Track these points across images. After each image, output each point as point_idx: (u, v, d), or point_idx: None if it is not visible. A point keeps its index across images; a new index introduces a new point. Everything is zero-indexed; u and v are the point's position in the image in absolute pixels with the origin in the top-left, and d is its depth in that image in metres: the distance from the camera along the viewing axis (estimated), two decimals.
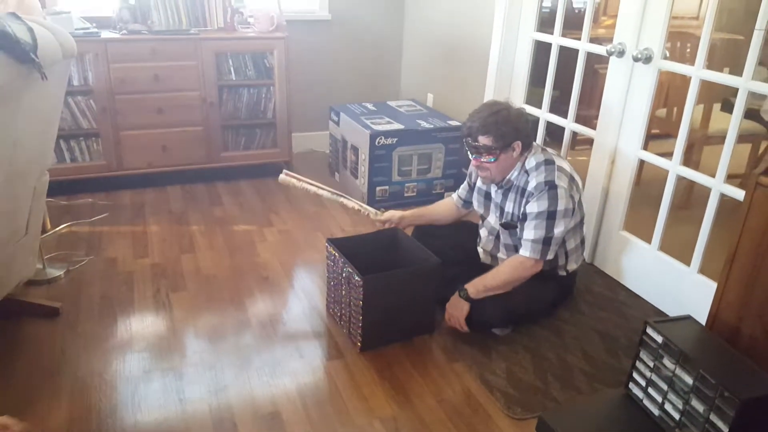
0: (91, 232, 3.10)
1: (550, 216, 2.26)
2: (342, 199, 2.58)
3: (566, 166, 2.36)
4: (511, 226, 2.42)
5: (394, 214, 2.62)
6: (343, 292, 2.30)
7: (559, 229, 2.28)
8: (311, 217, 3.30)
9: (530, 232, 2.29)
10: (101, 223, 3.19)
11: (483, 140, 2.30)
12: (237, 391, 2.05)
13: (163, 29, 3.47)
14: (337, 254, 2.31)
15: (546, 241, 2.28)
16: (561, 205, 2.26)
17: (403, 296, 2.27)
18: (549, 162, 2.32)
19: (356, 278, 2.17)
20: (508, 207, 2.42)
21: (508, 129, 2.29)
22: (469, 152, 2.39)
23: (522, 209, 2.34)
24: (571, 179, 2.33)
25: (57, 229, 3.07)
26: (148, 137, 3.52)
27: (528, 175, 2.33)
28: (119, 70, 3.32)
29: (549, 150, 2.43)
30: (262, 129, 3.81)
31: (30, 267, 2.34)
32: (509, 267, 2.33)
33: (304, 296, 2.63)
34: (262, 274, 2.78)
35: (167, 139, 3.56)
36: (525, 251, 2.30)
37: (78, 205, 3.38)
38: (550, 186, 2.26)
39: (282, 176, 2.56)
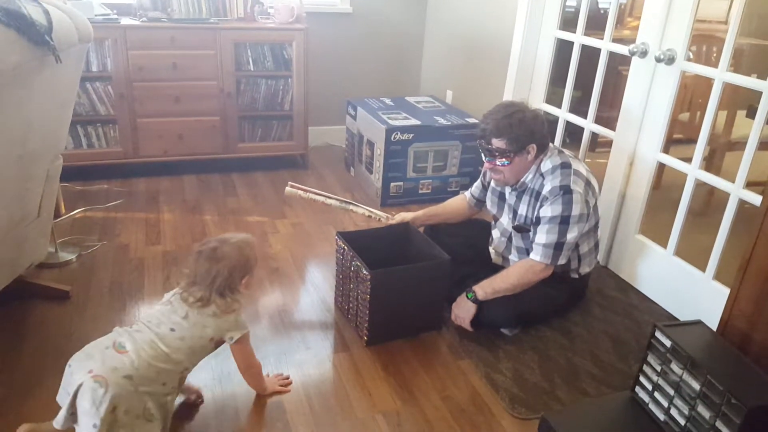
0: (105, 217, 3.12)
1: (564, 221, 2.22)
2: (351, 207, 2.54)
3: (583, 169, 2.31)
4: (524, 229, 2.38)
5: (405, 216, 2.59)
6: (351, 285, 2.29)
7: (572, 235, 2.24)
8: (324, 211, 3.26)
9: (542, 236, 2.25)
10: (115, 210, 3.21)
11: (497, 143, 2.26)
12: (241, 380, 2.04)
13: (183, 17, 3.49)
14: (346, 248, 2.30)
15: (558, 246, 2.24)
16: (575, 210, 2.22)
17: (411, 292, 2.25)
18: (565, 165, 2.27)
19: (364, 272, 2.16)
20: (522, 209, 2.38)
21: (522, 132, 2.24)
22: (482, 154, 2.35)
23: (536, 212, 2.30)
24: (587, 183, 2.28)
25: (71, 213, 3.10)
26: (165, 125, 3.54)
27: (543, 178, 2.29)
28: (138, 57, 3.34)
29: (566, 152, 2.37)
30: (278, 121, 3.81)
31: (42, 250, 2.36)
32: (519, 270, 2.30)
33: (313, 289, 2.63)
34: (272, 266, 2.78)
35: (184, 127, 3.58)
36: (536, 255, 2.27)
37: (93, 191, 3.41)
38: (565, 191, 2.22)
39: (288, 189, 2.52)
